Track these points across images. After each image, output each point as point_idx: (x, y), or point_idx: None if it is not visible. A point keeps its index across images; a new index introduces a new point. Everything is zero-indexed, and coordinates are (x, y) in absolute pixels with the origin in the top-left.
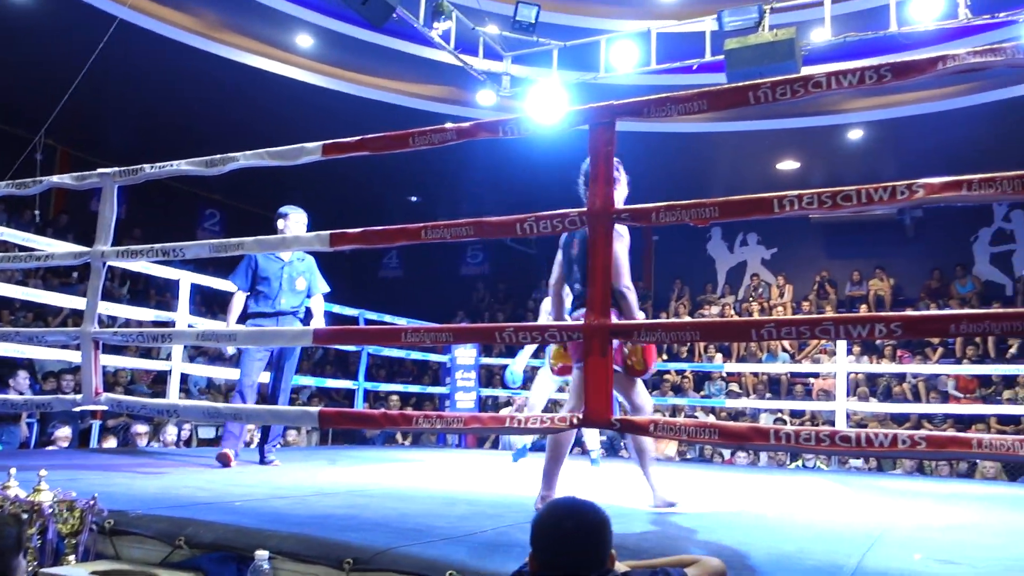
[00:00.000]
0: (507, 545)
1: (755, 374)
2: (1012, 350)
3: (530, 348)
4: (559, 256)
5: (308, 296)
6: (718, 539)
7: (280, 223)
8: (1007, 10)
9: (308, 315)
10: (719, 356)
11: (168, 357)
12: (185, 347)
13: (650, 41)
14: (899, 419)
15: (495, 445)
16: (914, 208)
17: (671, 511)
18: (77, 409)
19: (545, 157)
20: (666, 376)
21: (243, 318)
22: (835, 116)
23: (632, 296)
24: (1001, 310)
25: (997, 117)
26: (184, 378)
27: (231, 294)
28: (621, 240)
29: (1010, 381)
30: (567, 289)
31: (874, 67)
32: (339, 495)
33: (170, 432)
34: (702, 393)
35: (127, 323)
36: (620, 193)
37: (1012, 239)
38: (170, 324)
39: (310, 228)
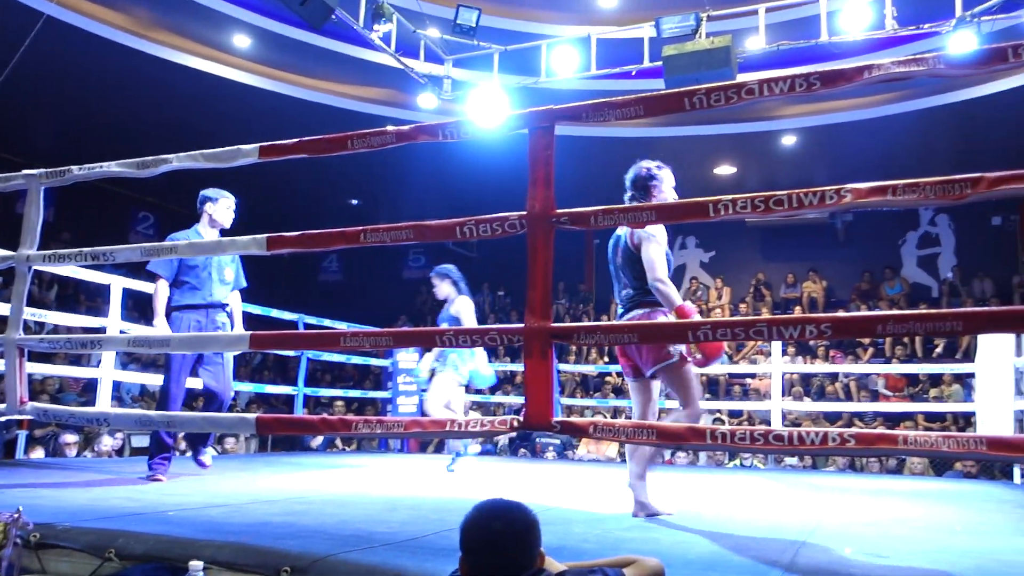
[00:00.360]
0: (449, 549)
1: None
2: (938, 350)
3: (436, 351)
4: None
5: (233, 289)
6: (656, 538)
7: (208, 207)
8: (931, 21)
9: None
10: None
11: (98, 364)
12: (117, 354)
13: (590, 46)
14: (832, 417)
15: (438, 449)
16: (844, 212)
17: (610, 513)
18: (1, 419)
19: (486, 160)
20: (607, 378)
21: (168, 310)
22: (770, 122)
23: (667, 288)
24: (926, 311)
25: (922, 124)
26: (116, 386)
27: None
28: (654, 240)
29: (936, 379)
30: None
31: (804, 75)
32: (277, 502)
33: (105, 442)
34: None
35: (55, 329)
36: (667, 195)
37: (937, 242)
38: (101, 330)
39: (247, 231)
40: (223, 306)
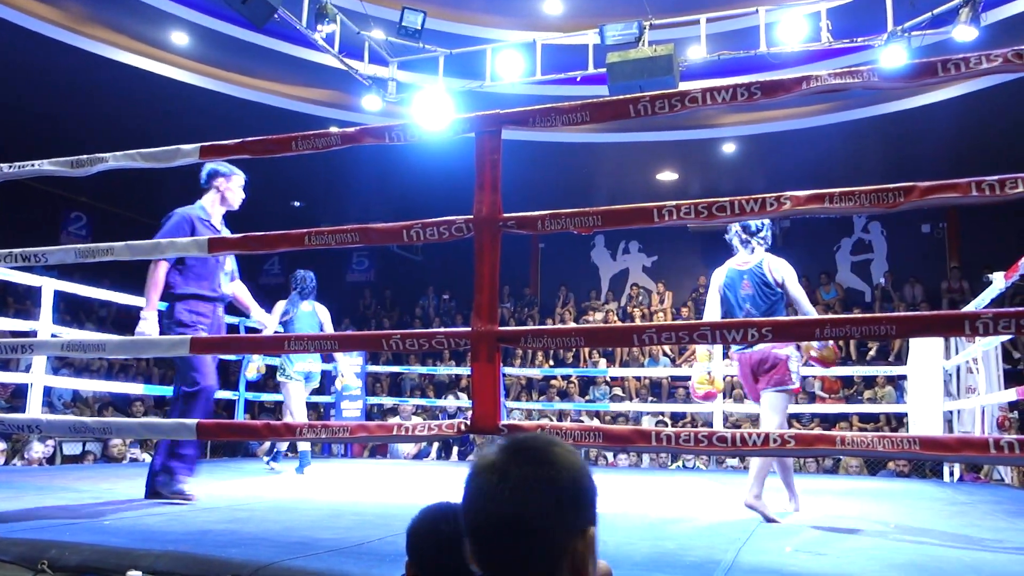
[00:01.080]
0: (395, 554)
1: (638, 378)
2: (871, 352)
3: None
4: (717, 295)
5: (231, 279)
6: (603, 540)
7: (220, 182)
8: (864, 35)
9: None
10: (603, 361)
11: (28, 369)
12: (49, 358)
13: (535, 52)
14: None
15: (383, 454)
16: (782, 219)
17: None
18: None
19: (431, 163)
20: (552, 382)
21: (171, 298)
22: (711, 130)
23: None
24: (862, 315)
25: (857, 134)
26: (47, 391)
27: (95, 300)
28: (794, 275)
29: (870, 381)
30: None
31: (745, 85)
32: (218, 510)
33: (36, 449)
34: (587, 397)
35: None
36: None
37: (870, 249)
38: (31, 334)
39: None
40: (225, 300)
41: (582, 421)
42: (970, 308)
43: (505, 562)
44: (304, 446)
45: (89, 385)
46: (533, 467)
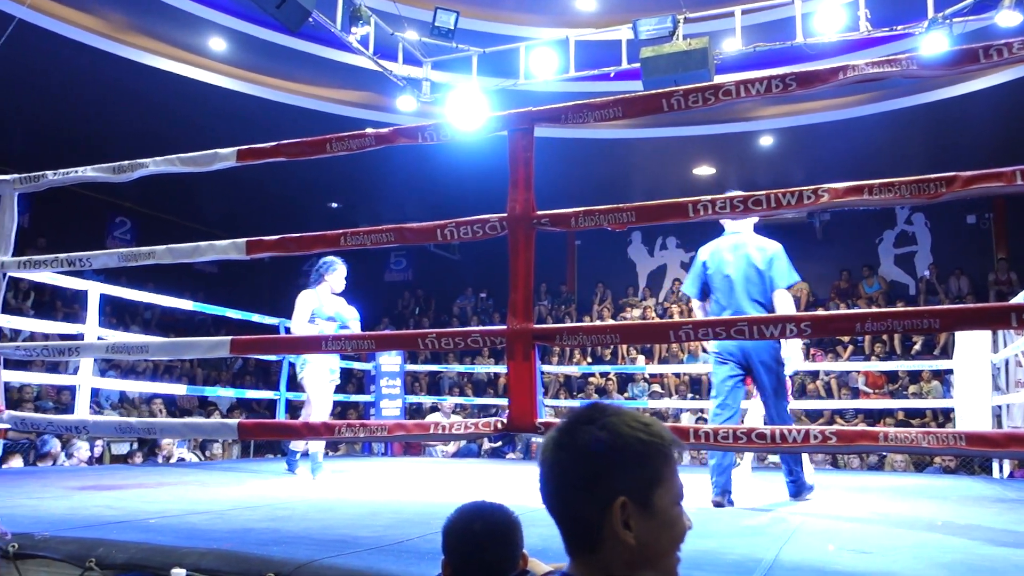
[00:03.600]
0: (433, 552)
1: (677, 375)
2: (916, 347)
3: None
4: None
5: (772, 288)
6: None
7: (329, 276)
8: (904, 23)
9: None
10: (641, 358)
11: (76, 371)
12: (96, 361)
13: (569, 49)
14: (813, 415)
15: (417, 452)
16: (822, 212)
17: None
18: None
19: (466, 163)
20: (590, 379)
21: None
22: (747, 123)
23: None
24: (903, 308)
25: (898, 124)
26: (95, 393)
27: (140, 303)
28: None
29: (915, 376)
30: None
31: (780, 76)
32: (260, 508)
33: (81, 449)
34: (626, 395)
35: (32, 336)
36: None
37: (914, 241)
38: (77, 337)
39: (227, 236)
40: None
41: None
42: (1018, 300)
43: (567, 545)
44: (316, 448)
45: (135, 386)
46: (554, 452)
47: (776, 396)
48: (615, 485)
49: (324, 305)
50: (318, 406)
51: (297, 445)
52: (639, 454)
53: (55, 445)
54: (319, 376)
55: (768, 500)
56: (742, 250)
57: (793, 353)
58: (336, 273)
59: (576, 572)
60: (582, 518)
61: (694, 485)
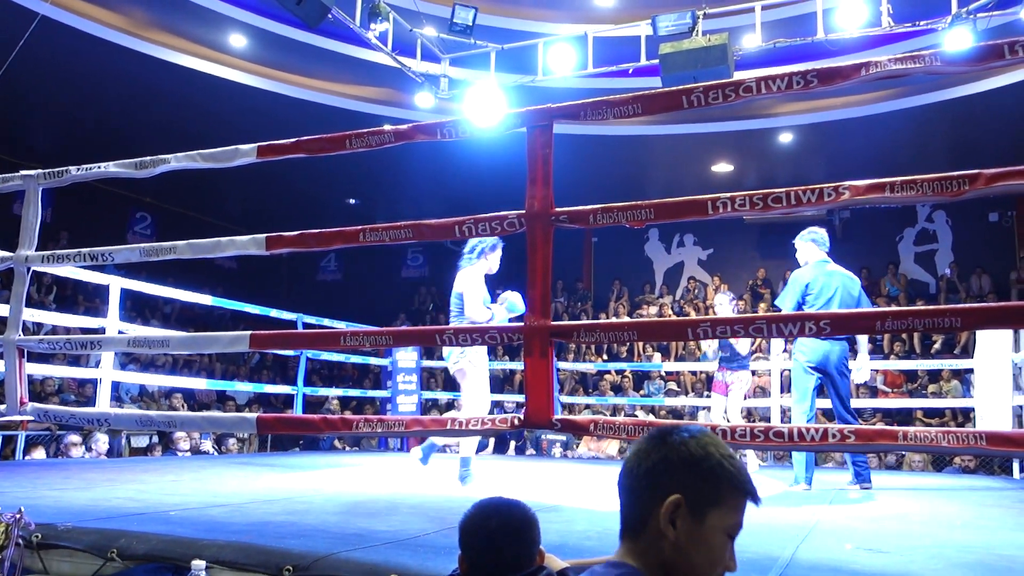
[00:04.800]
0: (450, 547)
1: (693, 373)
2: (936, 346)
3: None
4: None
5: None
6: None
7: (491, 256)
8: (927, 19)
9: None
10: (658, 356)
11: (97, 365)
12: (116, 354)
13: (587, 45)
14: (830, 415)
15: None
16: (842, 209)
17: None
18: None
19: (484, 159)
20: (606, 376)
21: None
22: (767, 120)
23: None
24: (923, 307)
25: (918, 121)
26: (116, 386)
27: (159, 297)
28: None
29: (935, 375)
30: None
31: (802, 73)
32: (277, 502)
33: (101, 441)
34: (642, 392)
35: (53, 330)
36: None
37: (935, 239)
38: (99, 331)
39: (246, 231)
40: None
41: (636, 416)
42: None
43: (621, 529)
44: (467, 451)
45: (155, 380)
46: (646, 442)
47: (846, 399)
48: (679, 484)
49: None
50: (482, 397)
51: (437, 439)
52: (711, 471)
53: (79, 438)
54: (482, 362)
55: (783, 497)
56: (837, 278)
57: (862, 363)
58: (497, 253)
59: (619, 557)
60: (640, 502)
61: None
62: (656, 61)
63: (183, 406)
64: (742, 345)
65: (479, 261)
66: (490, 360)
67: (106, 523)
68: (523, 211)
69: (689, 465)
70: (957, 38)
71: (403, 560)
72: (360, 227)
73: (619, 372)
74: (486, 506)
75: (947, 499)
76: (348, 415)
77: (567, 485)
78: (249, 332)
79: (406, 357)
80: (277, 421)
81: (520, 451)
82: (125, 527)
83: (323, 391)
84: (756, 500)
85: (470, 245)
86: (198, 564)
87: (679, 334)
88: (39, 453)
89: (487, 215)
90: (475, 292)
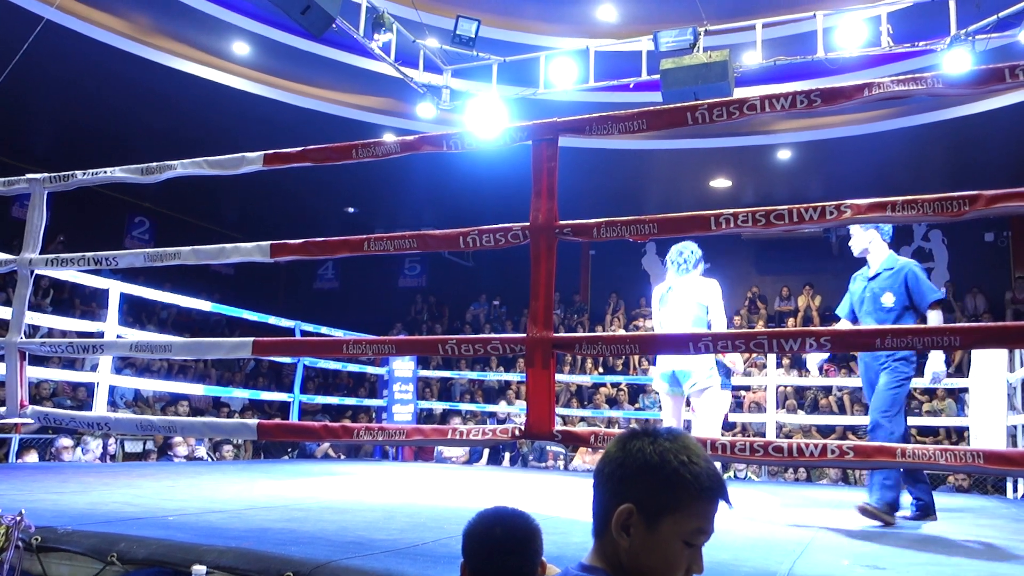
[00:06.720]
0: (449, 556)
1: None
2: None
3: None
4: None
5: (896, 310)
6: None
7: (700, 267)
8: (926, 39)
9: None
10: (653, 368)
11: (94, 369)
12: (113, 359)
13: (588, 59)
14: (825, 431)
15: (425, 458)
16: (840, 227)
17: None
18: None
19: (482, 171)
20: (601, 389)
21: None
22: (765, 136)
23: None
24: (922, 326)
25: (917, 141)
26: (111, 391)
27: (156, 302)
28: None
29: (930, 394)
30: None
31: (805, 92)
32: (276, 509)
33: (94, 445)
34: (636, 405)
35: (50, 333)
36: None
37: (931, 257)
38: (97, 335)
39: (244, 239)
40: None
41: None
42: None
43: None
44: None
45: (151, 385)
46: (613, 445)
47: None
48: (633, 491)
49: None
50: (719, 420)
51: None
52: (666, 479)
53: (71, 441)
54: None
55: (783, 514)
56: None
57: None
58: (701, 266)
59: (589, 558)
60: (602, 506)
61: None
62: (657, 76)
63: (186, 411)
64: (736, 360)
65: (695, 270)
66: (484, 371)
67: (106, 527)
68: (527, 223)
69: (644, 472)
70: (956, 59)
71: (403, 568)
72: (365, 236)
73: (615, 385)
74: (490, 515)
75: (942, 517)
76: (348, 423)
77: (563, 497)
78: (252, 339)
79: (403, 367)
80: (278, 428)
81: (514, 462)
82: (125, 531)
83: (320, 399)
84: (728, 502)
85: (676, 254)
86: (199, 569)
87: (681, 348)
88: (32, 456)
89: (492, 227)
90: (721, 302)
